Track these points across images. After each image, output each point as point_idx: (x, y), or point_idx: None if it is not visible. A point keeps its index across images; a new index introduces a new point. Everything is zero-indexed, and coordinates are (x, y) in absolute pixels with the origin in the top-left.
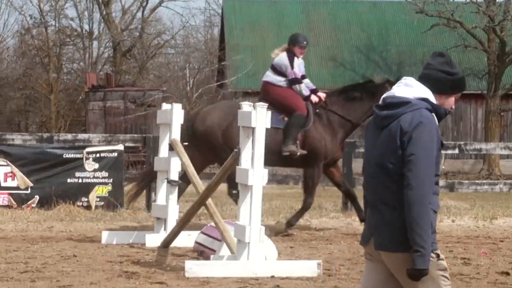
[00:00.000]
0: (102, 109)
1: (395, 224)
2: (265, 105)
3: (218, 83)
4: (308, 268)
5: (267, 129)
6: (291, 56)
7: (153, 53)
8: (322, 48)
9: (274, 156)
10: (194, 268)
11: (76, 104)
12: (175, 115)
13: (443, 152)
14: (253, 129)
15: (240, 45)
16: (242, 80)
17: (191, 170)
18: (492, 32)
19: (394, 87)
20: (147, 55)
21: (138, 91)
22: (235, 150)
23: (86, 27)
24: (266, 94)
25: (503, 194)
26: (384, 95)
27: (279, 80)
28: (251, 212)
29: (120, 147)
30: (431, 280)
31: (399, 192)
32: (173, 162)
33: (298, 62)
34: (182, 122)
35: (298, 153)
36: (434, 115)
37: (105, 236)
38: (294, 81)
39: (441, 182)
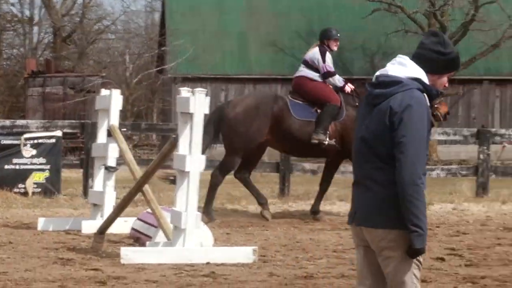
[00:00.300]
0: (41, 95)
1: (380, 201)
2: (204, 90)
3: (158, 68)
4: (244, 254)
5: (297, 121)
6: (323, 51)
7: (94, 39)
8: (263, 34)
9: (306, 149)
10: (130, 254)
11: (15, 90)
12: (113, 100)
13: None
14: (192, 115)
15: (180, 30)
16: (182, 65)
17: (129, 156)
18: (433, 17)
19: (388, 64)
20: (87, 41)
21: (77, 77)
22: (173, 136)
23: (26, 12)
24: (298, 88)
25: (440, 179)
26: (377, 73)
27: (313, 75)
28: (187, 198)
29: (58, 133)
30: (405, 262)
31: (386, 171)
32: (111, 148)
33: (329, 57)
34: (120, 108)
35: (326, 143)
36: (425, 95)
37: (41, 222)
38: (328, 74)
39: None
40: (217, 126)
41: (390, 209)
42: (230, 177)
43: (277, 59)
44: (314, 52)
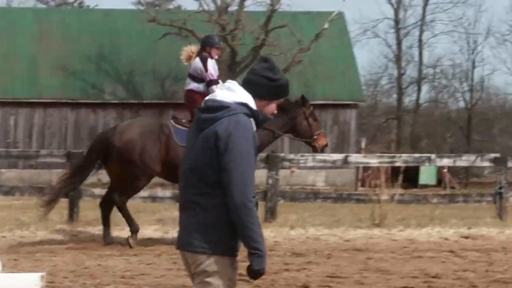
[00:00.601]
0: None
1: (203, 225)
2: None
3: None
4: (31, 281)
5: (181, 148)
6: (204, 59)
7: None
8: (53, 57)
9: None
10: None
11: None
12: None
13: None
14: None
15: None
16: None
17: None
18: (224, 41)
19: (217, 90)
20: None
21: None
22: None
23: None
24: (192, 104)
25: None
26: (206, 98)
27: (199, 87)
28: None
29: None
30: (219, 284)
31: (212, 195)
32: None
33: (212, 63)
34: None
35: None
36: (252, 120)
37: None
38: (211, 82)
39: (168, 193)
40: (101, 154)
41: (211, 234)
42: (19, 202)
43: (67, 83)
44: (195, 63)
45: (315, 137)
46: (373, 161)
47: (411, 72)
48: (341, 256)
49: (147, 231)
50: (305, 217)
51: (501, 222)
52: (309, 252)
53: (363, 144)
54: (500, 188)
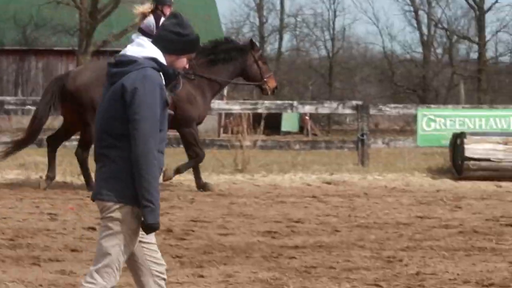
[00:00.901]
0: None
1: (109, 175)
2: None
3: None
4: None
5: None
6: (158, 18)
7: None
8: None
9: None
10: None
11: None
12: None
13: None
14: None
15: None
16: None
17: None
18: None
19: (128, 45)
20: None
21: None
22: None
23: None
24: None
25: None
26: (118, 53)
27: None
28: None
29: None
30: (117, 236)
31: (119, 148)
32: None
33: None
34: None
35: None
36: (162, 74)
37: None
38: None
39: None
40: (56, 98)
41: (117, 184)
42: None
43: None
44: (149, 20)
45: (265, 79)
46: (235, 107)
47: (272, 20)
48: (204, 200)
49: (9, 175)
50: (167, 162)
51: (363, 168)
52: (172, 197)
53: (225, 91)
54: (362, 135)
